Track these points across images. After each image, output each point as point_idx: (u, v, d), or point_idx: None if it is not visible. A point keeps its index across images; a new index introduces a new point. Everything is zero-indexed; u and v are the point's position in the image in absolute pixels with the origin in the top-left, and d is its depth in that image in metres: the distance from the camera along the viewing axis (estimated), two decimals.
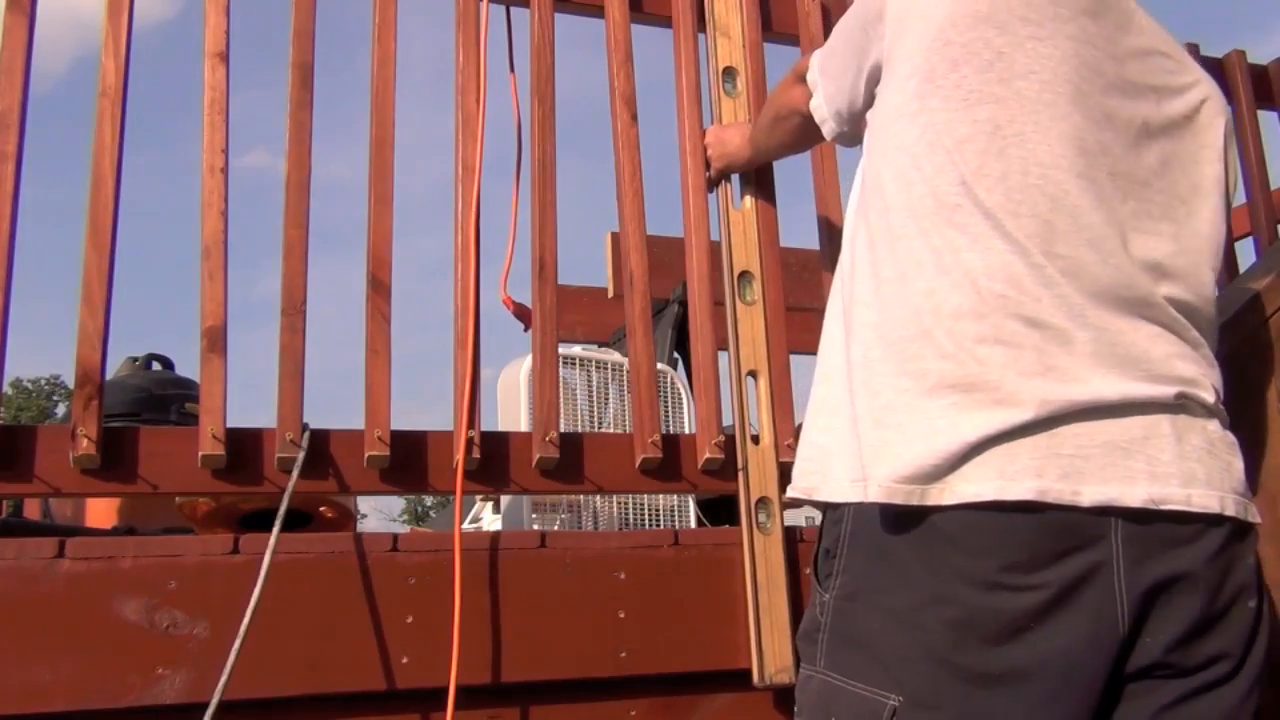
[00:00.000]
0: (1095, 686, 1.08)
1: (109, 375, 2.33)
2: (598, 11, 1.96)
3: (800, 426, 1.36)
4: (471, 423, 1.66)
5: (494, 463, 1.70)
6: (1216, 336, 1.27)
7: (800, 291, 2.34)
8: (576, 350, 3.06)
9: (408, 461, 1.67)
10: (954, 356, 1.11)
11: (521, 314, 1.83)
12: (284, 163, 1.69)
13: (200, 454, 1.55)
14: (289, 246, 1.65)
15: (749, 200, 1.91)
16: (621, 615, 1.62)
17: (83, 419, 1.51)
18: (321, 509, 2.71)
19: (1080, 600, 1.06)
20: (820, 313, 1.37)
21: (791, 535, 1.73)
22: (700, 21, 1.98)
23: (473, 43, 1.84)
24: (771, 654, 1.64)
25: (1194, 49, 2.51)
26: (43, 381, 37.55)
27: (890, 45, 1.23)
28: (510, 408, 2.78)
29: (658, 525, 2.84)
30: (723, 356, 1.84)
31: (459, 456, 1.63)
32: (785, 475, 1.37)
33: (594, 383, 2.96)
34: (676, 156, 1.93)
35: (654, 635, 1.63)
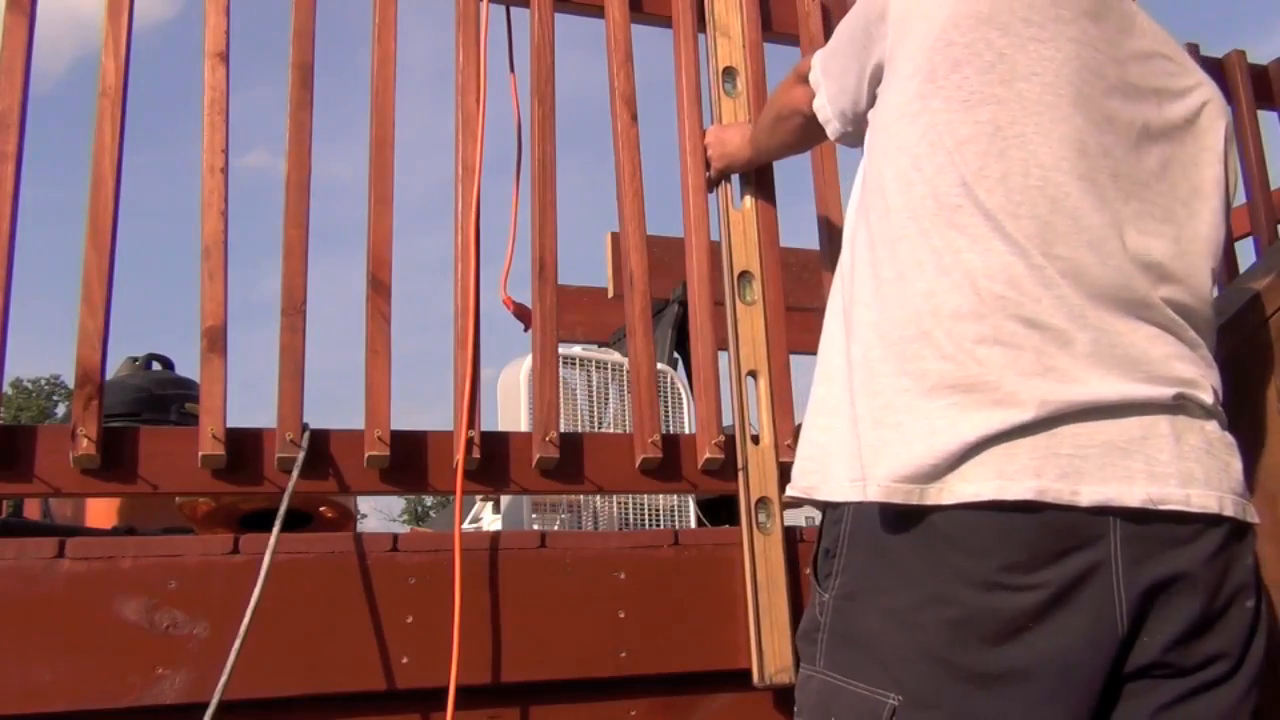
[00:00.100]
0: (1094, 686, 1.08)
1: (109, 375, 2.34)
2: (598, 11, 1.96)
3: (799, 426, 1.36)
4: (471, 423, 1.66)
5: (494, 463, 1.70)
6: (1215, 337, 1.27)
7: (800, 291, 2.35)
8: (576, 350, 3.06)
9: (408, 461, 1.67)
10: (954, 357, 1.11)
11: (521, 314, 1.83)
12: (284, 163, 1.69)
13: (200, 454, 1.55)
14: (289, 246, 1.65)
15: (749, 200, 1.91)
16: (621, 615, 1.62)
17: (83, 419, 1.51)
18: (321, 509, 2.71)
19: (1079, 600, 1.07)
20: (820, 313, 1.37)
21: (791, 535, 1.73)
22: (700, 21, 1.98)
23: (473, 43, 1.84)
24: (771, 654, 1.64)
25: (1194, 49, 2.51)
26: (43, 381, 37.56)
27: (892, 45, 1.23)
28: (510, 408, 2.78)
29: (658, 525, 2.84)
30: (723, 356, 1.84)
31: (459, 456, 1.63)
32: (785, 475, 1.37)
33: (594, 383, 2.96)
34: (676, 156, 1.93)
35: (654, 635, 1.63)
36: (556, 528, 2.78)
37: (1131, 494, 1.08)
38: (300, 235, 1.66)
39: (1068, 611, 1.06)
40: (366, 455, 1.63)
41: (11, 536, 1.50)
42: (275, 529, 1.48)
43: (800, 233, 2.19)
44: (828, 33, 1.86)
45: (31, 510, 3.10)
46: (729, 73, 1.96)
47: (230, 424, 1.57)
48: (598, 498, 2.79)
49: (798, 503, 1.53)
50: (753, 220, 1.89)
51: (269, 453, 1.60)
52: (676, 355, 3.50)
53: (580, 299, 3.80)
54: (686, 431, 2.79)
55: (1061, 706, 1.07)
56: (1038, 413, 1.08)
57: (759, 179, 1.92)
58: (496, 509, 3.37)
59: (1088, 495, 1.07)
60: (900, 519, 1.11)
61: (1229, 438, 1.20)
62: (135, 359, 3.45)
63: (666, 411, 2.92)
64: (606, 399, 2.98)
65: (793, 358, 1.86)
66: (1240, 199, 2.65)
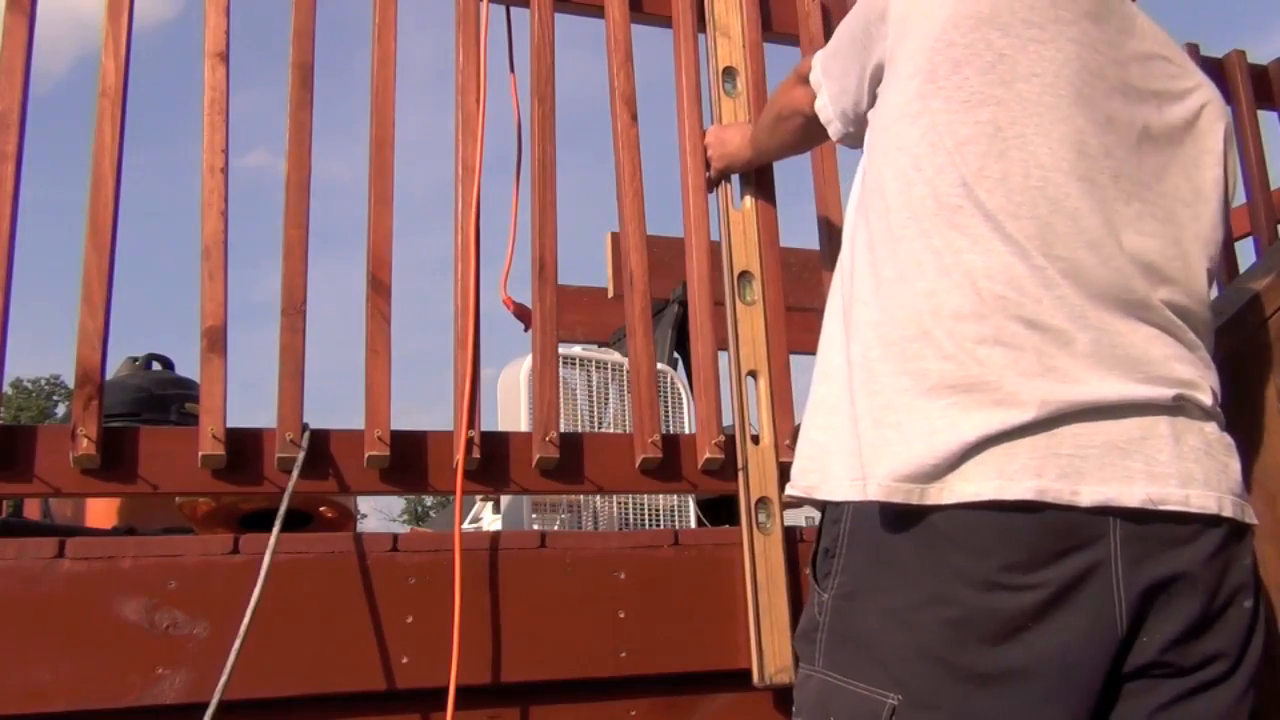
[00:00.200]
0: (1093, 686, 1.08)
1: (109, 375, 2.33)
2: (598, 11, 1.96)
3: (798, 426, 1.36)
4: (471, 423, 1.66)
5: (494, 463, 1.70)
6: (1213, 339, 1.27)
7: (800, 291, 2.35)
8: (576, 350, 3.07)
9: (408, 461, 1.67)
10: (954, 357, 1.11)
11: (521, 314, 1.83)
12: (284, 163, 1.69)
13: (200, 454, 1.55)
14: (289, 246, 1.65)
15: (749, 200, 1.91)
16: (621, 615, 1.62)
17: (83, 419, 1.51)
18: (321, 509, 2.71)
19: (1079, 600, 1.07)
20: (820, 313, 1.37)
21: (791, 535, 1.73)
22: (700, 21, 1.98)
23: (473, 43, 1.84)
24: (771, 654, 1.64)
25: (1194, 49, 2.51)
26: (43, 381, 37.55)
27: (893, 45, 1.23)
28: (510, 408, 2.78)
29: (658, 525, 2.85)
30: (723, 356, 1.84)
31: (459, 456, 1.63)
32: (785, 475, 1.37)
33: (594, 383, 2.97)
34: (676, 156, 1.93)
35: (654, 635, 1.63)
36: (556, 528, 2.78)
37: (1131, 494, 1.08)
38: (300, 235, 1.66)
39: (1067, 611, 1.06)
40: (366, 455, 1.63)
41: (11, 536, 1.50)
42: (275, 529, 1.48)
43: (800, 233, 2.19)
44: (828, 33, 1.86)
45: (31, 510, 3.10)
46: (729, 73, 1.96)
47: (230, 424, 1.57)
48: (598, 498, 2.79)
49: (798, 503, 1.53)
50: (753, 220, 1.89)
51: (269, 453, 1.60)
52: (676, 355, 3.50)
53: (580, 299, 3.80)
54: (686, 431, 2.79)
55: (1061, 706, 1.07)
56: (1038, 413, 1.08)
57: (759, 179, 1.92)
58: (496, 509, 3.37)
59: (1088, 495, 1.07)
60: (900, 518, 1.11)
61: (1227, 439, 1.20)
62: (135, 359, 3.45)
63: (666, 411, 2.92)
64: (606, 399, 2.98)
65: (793, 358, 1.86)
66: (1240, 199, 2.65)
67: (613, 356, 3.05)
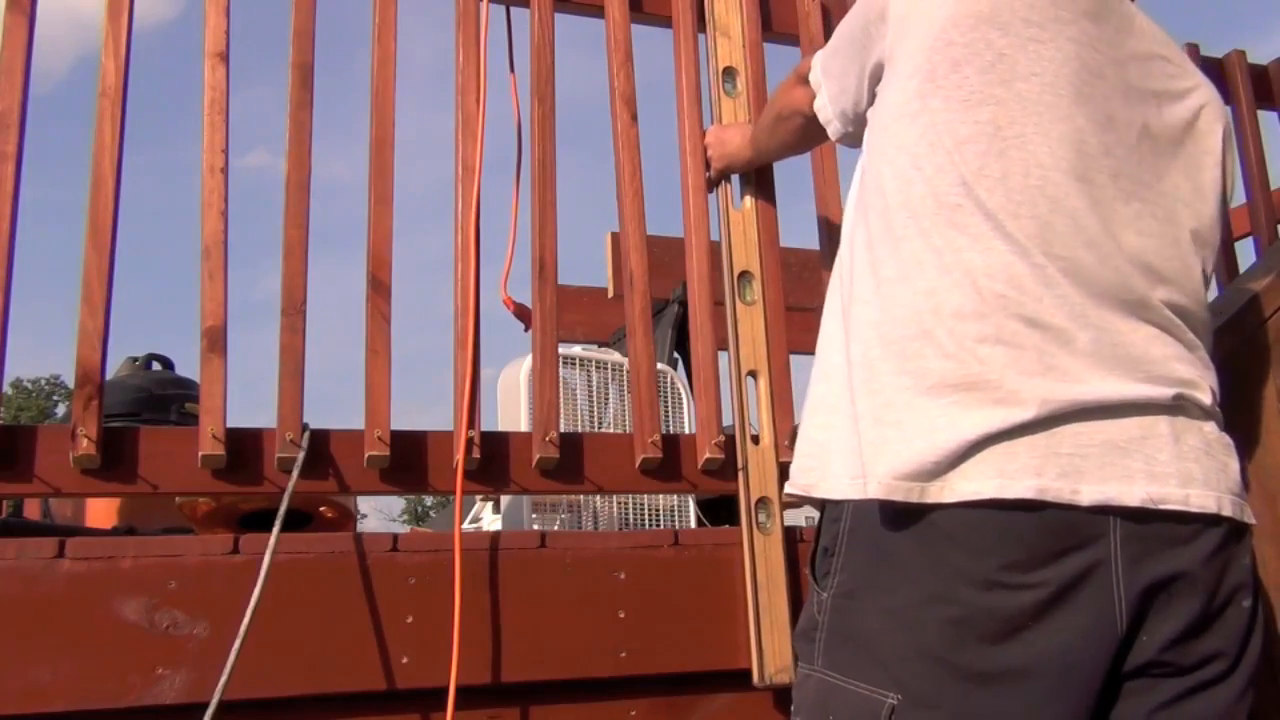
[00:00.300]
0: (1093, 686, 1.08)
1: (109, 375, 2.33)
2: (598, 11, 1.96)
3: (797, 426, 1.36)
4: (471, 423, 1.66)
5: (494, 463, 1.70)
6: (1211, 339, 1.27)
7: (800, 291, 2.35)
8: (576, 350, 3.06)
9: (408, 461, 1.67)
10: (955, 356, 1.11)
11: (521, 314, 1.83)
12: (284, 163, 1.69)
13: (200, 454, 1.55)
14: (289, 246, 1.65)
15: (749, 200, 1.91)
16: (621, 615, 1.62)
17: (83, 419, 1.51)
18: (321, 509, 2.71)
19: (1079, 599, 1.07)
20: (820, 312, 1.37)
21: (791, 535, 1.73)
22: (700, 21, 1.98)
23: (473, 43, 1.84)
24: (771, 654, 1.64)
25: (1194, 49, 2.51)
26: (43, 381, 37.54)
27: (892, 44, 1.23)
28: (510, 408, 2.78)
29: (658, 525, 2.84)
30: (723, 356, 1.84)
31: (459, 456, 1.63)
32: (785, 475, 1.37)
33: (594, 383, 2.97)
34: (676, 156, 1.93)
35: (654, 635, 1.63)
36: (556, 528, 2.78)
37: (1131, 493, 1.09)
38: (300, 235, 1.66)
39: (1068, 610, 1.06)
40: (366, 455, 1.63)
41: (11, 536, 1.50)
42: (275, 529, 1.48)
43: (800, 233, 2.19)
44: (828, 33, 1.86)
45: (31, 510, 3.10)
46: (729, 73, 1.96)
47: (230, 424, 1.57)
48: (598, 498, 2.79)
49: (798, 502, 1.53)
50: (753, 220, 1.89)
51: (269, 453, 1.60)
52: (676, 355, 3.50)
53: (580, 299, 3.80)
54: (686, 431, 2.79)
55: (1061, 706, 1.07)
56: (1039, 412, 1.08)
57: (759, 179, 1.92)
58: (496, 509, 3.37)
59: (1088, 494, 1.07)
60: (900, 517, 1.11)
61: (1226, 439, 1.20)
62: (135, 359, 3.45)
63: (666, 411, 2.92)
64: (606, 399, 2.98)
65: (793, 358, 1.86)
66: (1240, 199, 2.65)
67: (613, 356, 3.05)
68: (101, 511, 3.03)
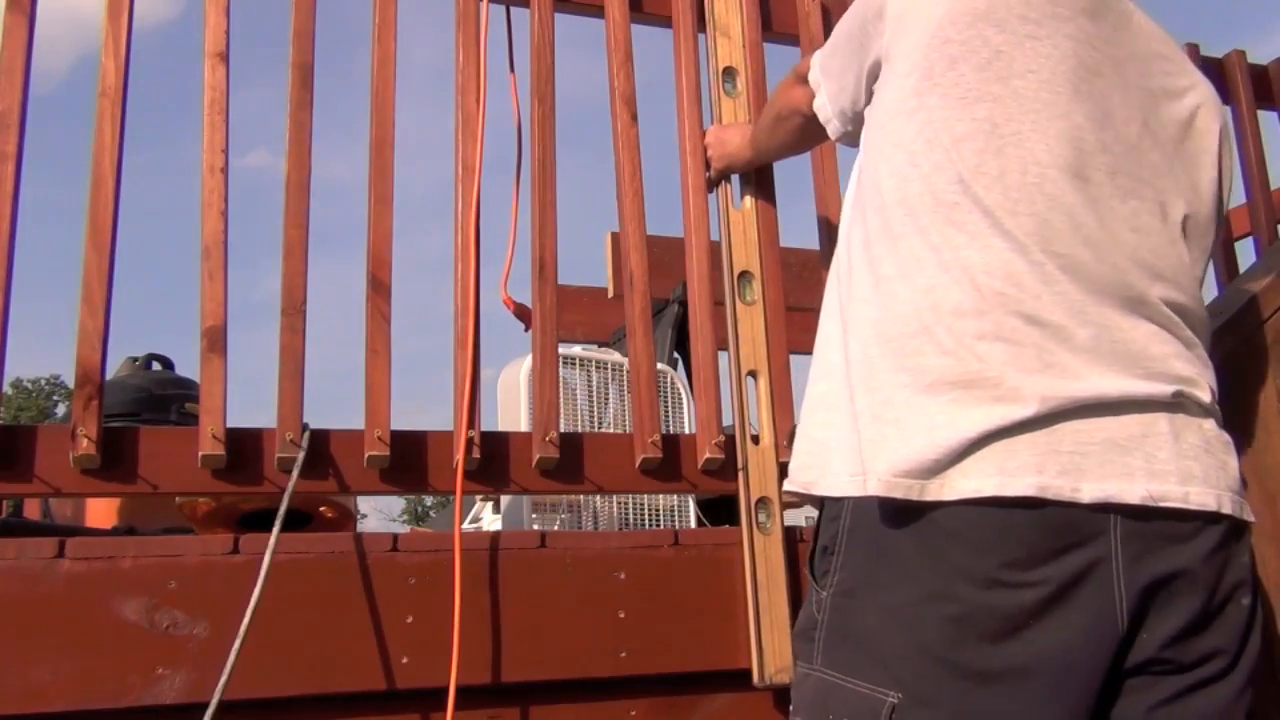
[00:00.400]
0: (1094, 684, 1.08)
1: (109, 375, 2.33)
2: (598, 11, 1.96)
3: (796, 425, 1.36)
4: (471, 423, 1.66)
5: (494, 463, 1.70)
6: (1209, 337, 1.27)
7: (800, 291, 2.34)
8: (576, 350, 3.07)
9: (408, 461, 1.67)
10: (954, 353, 1.11)
11: (521, 314, 1.83)
12: (284, 163, 1.69)
13: (200, 454, 1.55)
14: (289, 246, 1.65)
15: (749, 200, 1.91)
16: (621, 615, 1.62)
17: (83, 419, 1.51)
18: (321, 509, 2.72)
19: (1079, 597, 1.07)
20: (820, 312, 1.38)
21: (791, 535, 1.73)
22: (700, 21, 1.98)
23: (473, 43, 1.84)
24: (771, 654, 1.64)
25: (1194, 49, 2.51)
26: (43, 381, 37.54)
27: (889, 43, 1.23)
28: (510, 408, 2.78)
29: (658, 525, 2.84)
30: (723, 356, 1.84)
31: (459, 456, 1.63)
32: (785, 475, 1.37)
33: (594, 383, 2.97)
34: (676, 156, 1.93)
35: (654, 635, 1.63)
36: (556, 528, 2.78)
37: (1132, 491, 1.08)
38: (300, 235, 1.66)
39: (1068, 609, 1.06)
40: (366, 455, 1.63)
41: (11, 536, 1.50)
42: (275, 529, 1.48)
43: (800, 233, 2.19)
44: (828, 32, 1.85)
45: (31, 510, 3.10)
46: (729, 73, 1.96)
47: (230, 424, 1.57)
48: (598, 498, 2.79)
49: (798, 502, 1.53)
50: (753, 220, 1.89)
51: (269, 453, 1.60)
52: (676, 355, 3.50)
53: (580, 299, 3.80)
54: (686, 431, 2.79)
55: (1061, 704, 1.07)
56: (1039, 409, 1.08)
57: (759, 179, 1.92)
58: (496, 509, 3.37)
59: (1089, 492, 1.07)
60: (900, 515, 1.11)
61: (1225, 436, 1.20)
62: (135, 359, 3.45)
63: (666, 411, 2.92)
64: (606, 399, 2.98)
65: (793, 357, 1.86)
66: (1240, 199, 2.65)
67: (613, 356, 3.05)
68: (101, 511, 3.03)
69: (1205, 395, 1.18)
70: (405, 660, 1.52)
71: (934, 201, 1.15)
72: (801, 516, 2.89)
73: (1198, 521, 1.12)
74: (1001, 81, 1.16)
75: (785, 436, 1.76)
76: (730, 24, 1.98)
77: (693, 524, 2.92)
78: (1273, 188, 2.69)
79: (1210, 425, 1.18)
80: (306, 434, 1.59)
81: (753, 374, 1.81)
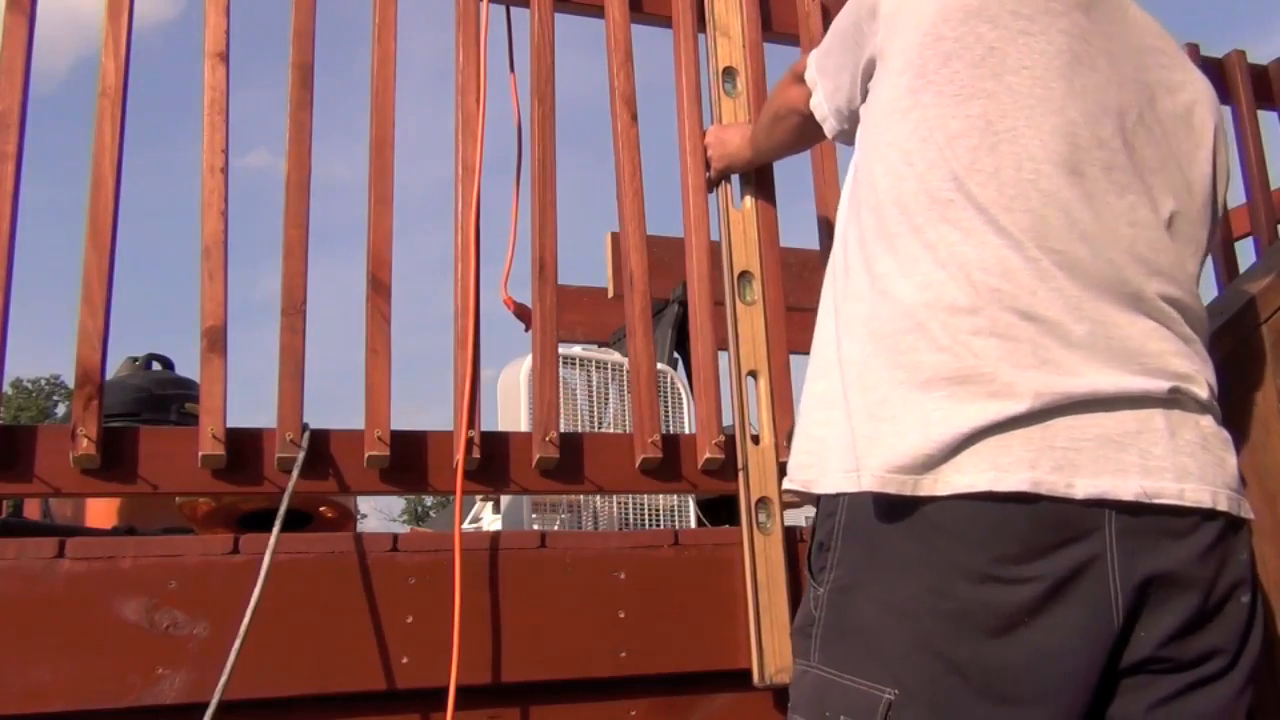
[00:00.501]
0: (1089, 680, 1.08)
1: (109, 375, 2.33)
2: (598, 11, 1.96)
3: (794, 425, 1.36)
4: (471, 423, 1.66)
5: (494, 463, 1.70)
6: (1208, 333, 1.27)
7: (800, 291, 2.34)
8: (576, 350, 3.07)
9: (408, 461, 1.67)
10: (949, 349, 1.11)
11: (521, 314, 1.83)
12: (284, 163, 1.69)
13: (200, 454, 1.55)
14: (289, 246, 1.65)
15: (749, 200, 1.91)
16: (621, 615, 1.62)
17: (83, 419, 1.51)
18: (321, 509, 2.72)
19: (1074, 593, 1.07)
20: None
21: (791, 535, 1.73)
22: (700, 21, 1.98)
23: (473, 43, 1.84)
24: (772, 654, 1.64)
25: (1194, 49, 2.51)
26: (43, 381, 37.53)
27: (883, 41, 1.23)
28: (510, 408, 2.78)
29: (658, 525, 2.85)
30: (723, 356, 1.84)
31: (459, 456, 1.63)
32: (785, 475, 1.37)
33: (594, 383, 2.97)
34: (676, 156, 1.93)
35: (654, 635, 1.63)
36: (556, 528, 2.78)
37: (1126, 487, 1.08)
38: (300, 235, 1.66)
39: (1063, 605, 1.06)
40: (366, 455, 1.63)
41: (11, 536, 1.50)
42: (275, 529, 1.48)
43: (800, 233, 2.19)
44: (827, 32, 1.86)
45: (31, 510, 3.10)
46: (729, 73, 1.96)
47: (230, 424, 1.57)
48: (598, 498, 2.79)
49: (798, 502, 1.53)
50: (753, 220, 1.89)
51: (269, 453, 1.60)
52: (676, 355, 3.50)
53: (580, 299, 3.80)
54: (686, 431, 2.79)
55: (1057, 701, 1.07)
56: (1033, 404, 1.08)
57: (759, 179, 1.92)
58: (496, 509, 3.37)
59: (1082, 488, 1.07)
60: (894, 510, 1.11)
61: (1224, 433, 1.20)
62: (135, 359, 3.45)
63: (666, 411, 2.92)
64: (606, 399, 2.98)
65: (793, 357, 1.86)
66: (1240, 199, 2.65)
67: (613, 356, 3.05)
68: (101, 511, 3.03)
69: (1203, 391, 1.18)
70: (405, 660, 1.52)
71: (929, 199, 1.15)
72: (801, 516, 2.89)
73: (1194, 518, 1.12)
74: (995, 78, 1.16)
75: (785, 436, 1.76)
76: (730, 24, 1.98)
77: (693, 524, 2.92)
78: (1273, 188, 2.69)
79: (1208, 422, 1.18)
80: (306, 434, 1.59)
81: (753, 374, 1.81)
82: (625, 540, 1.68)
